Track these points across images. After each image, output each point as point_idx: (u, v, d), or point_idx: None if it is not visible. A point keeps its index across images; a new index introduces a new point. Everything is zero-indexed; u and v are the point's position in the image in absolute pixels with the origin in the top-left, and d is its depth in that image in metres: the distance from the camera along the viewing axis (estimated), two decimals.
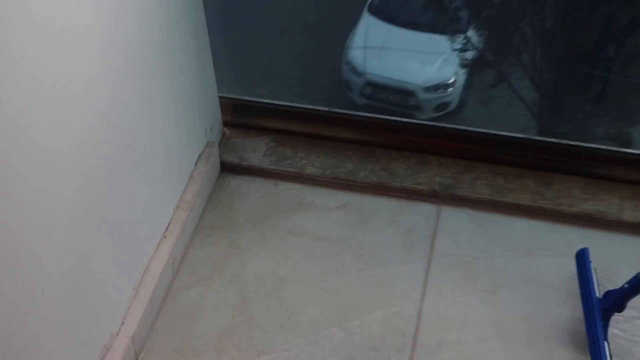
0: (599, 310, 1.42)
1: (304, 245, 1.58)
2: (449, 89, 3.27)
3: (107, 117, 1.19)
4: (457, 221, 1.63)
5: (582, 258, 1.50)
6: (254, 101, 1.78)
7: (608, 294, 1.40)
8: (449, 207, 1.64)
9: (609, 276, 1.50)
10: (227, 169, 1.73)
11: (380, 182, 1.66)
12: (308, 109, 1.78)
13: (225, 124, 1.77)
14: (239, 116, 1.78)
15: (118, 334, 1.35)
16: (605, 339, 1.38)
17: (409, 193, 1.65)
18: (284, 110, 1.77)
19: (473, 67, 2.43)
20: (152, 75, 1.34)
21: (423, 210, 1.64)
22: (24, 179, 1.03)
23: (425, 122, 1.63)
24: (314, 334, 1.44)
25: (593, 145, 1.69)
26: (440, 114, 3.09)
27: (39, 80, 1.02)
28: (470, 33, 2.77)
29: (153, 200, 1.48)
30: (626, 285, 1.35)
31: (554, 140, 1.70)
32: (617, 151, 1.65)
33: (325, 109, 1.77)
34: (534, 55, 1.85)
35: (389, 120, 1.77)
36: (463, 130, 1.73)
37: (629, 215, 1.55)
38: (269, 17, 2.22)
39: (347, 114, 1.78)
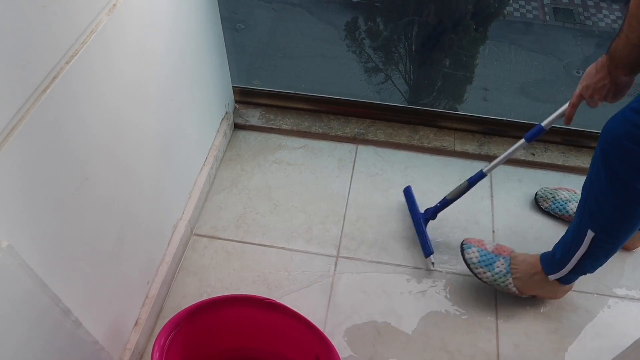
0: (423, 219, 1.54)
1: (282, 169, 1.73)
2: None
3: (171, 95, 1.27)
4: (367, 153, 1.78)
5: (408, 192, 1.62)
6: (252, 88, 1.87)
7: (426, 210, 1.54)
8: (362, 146, 1.80)
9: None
10: (238, 127, 1.84)
11: (324, 132, 1.80)
12: (282, 91, 1.86)
13: (236, 101, 1.87)
14: (244, 97, 1.88)
15: (181, 218, 1.49)
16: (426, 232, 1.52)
17: (340, 138, 1.81)
18: (269, 93, 1.87)
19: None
20: (195, 72, 1.42)
21: (348, 148, 1.80)
22: (143, 114, 1.17)
23: (348, 99, 1.82)
24: (289, 216, 1.60)
25: (439, 110, 1.83)
26: None
27: (144, 78, 1.18)
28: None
29: (197, 144, 1.57)
30: (438, 204, 1.50)
31: (417, 107, 1.83)
32: (451, 113, 1.82)
33: (292, 92, 1.84)
34: (405, 65, 2.15)
35: (328, 97, 1.85)
36: (369, 102, 1.84)
37: (458, 148, 1.76)
38: (259, 31, 2.42)
39: (304, 94, 1.85)
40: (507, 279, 1.37)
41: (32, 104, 0.76)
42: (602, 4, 2.53)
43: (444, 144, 1.78)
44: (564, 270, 1.28)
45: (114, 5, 0.94)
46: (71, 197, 0.90)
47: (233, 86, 1.79)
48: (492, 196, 1.67)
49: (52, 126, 0.82)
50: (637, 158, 1.00)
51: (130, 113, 1.07)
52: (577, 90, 1.12)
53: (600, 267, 1.48)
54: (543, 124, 1.24)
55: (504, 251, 1.41)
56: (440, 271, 1.50)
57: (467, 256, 1.42)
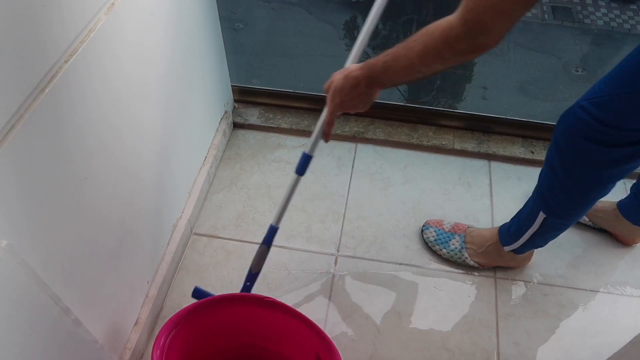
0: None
1: (281, 168, 1.73)
2: None
3: (170, 94, 1.27)
4: (366, 152, 1.78)
5: (200, 293, 1.27)
6: (251, 87, 1.89)
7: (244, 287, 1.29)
8: (361, 144, 1.80)
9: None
10: (237, 126, 1.84)
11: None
12: (281, 90, 1.86)
13: (235, 100, 1.88)
14: (243, 96, 1.89)
15: (181, 217, 1.49)
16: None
17: (339, 137, 1.81)
18: (268, 92, 1.88)
19: None
20: (194, 71, 1.43)
21: (347, 146, 1.80)
22: (145, 113, 1.20)
23: None
24: (289, 215, 1.57)
25: (438, 108, 1.83)
26: None
27: (145, 76, 1.17)
28: None
29: (197, 143, 1.58)
30: (247, 283, 1.30)
31: (416, 105, 1.84)
32: (450, 111, 1.82)
33: (291, 91, 1.84)
34: None
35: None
36: None
37: (457, 146, 1.76)
38: (257, 33, 2.43)
39: (303, 93, 1.85)
40: (463, 254, 1.49)
41: (30, 103, 0.76)
42: (600, 3, 2.54)
43: (443, 142, 1.78)
44: (516, 243, 1.37)
45: (113, 4, 0.94)
46: (71, 196, 0.90)
47: (232, 85, 1.79)
48: (491, 194, 1.67)
49: (51, 125, 0.82)
50: (588, 153, 1.05)
51: (129, 112, 1.07)
52: (331, 108, 1.12)
53: (599, 264, 1.50)
54: (307, 151, 1.21)
55: (460, 229, 1.53)
56: (440, 270, 1.51)
57: (424, 236, 1.55)
